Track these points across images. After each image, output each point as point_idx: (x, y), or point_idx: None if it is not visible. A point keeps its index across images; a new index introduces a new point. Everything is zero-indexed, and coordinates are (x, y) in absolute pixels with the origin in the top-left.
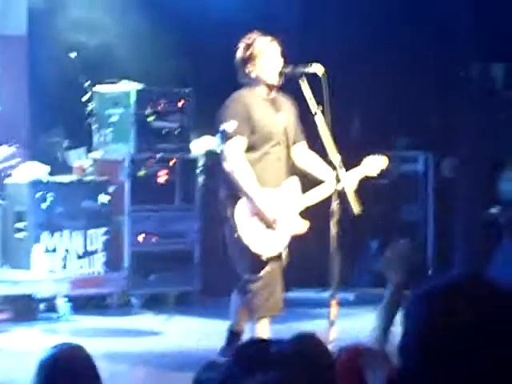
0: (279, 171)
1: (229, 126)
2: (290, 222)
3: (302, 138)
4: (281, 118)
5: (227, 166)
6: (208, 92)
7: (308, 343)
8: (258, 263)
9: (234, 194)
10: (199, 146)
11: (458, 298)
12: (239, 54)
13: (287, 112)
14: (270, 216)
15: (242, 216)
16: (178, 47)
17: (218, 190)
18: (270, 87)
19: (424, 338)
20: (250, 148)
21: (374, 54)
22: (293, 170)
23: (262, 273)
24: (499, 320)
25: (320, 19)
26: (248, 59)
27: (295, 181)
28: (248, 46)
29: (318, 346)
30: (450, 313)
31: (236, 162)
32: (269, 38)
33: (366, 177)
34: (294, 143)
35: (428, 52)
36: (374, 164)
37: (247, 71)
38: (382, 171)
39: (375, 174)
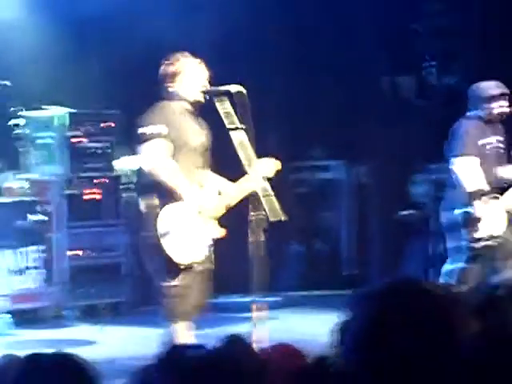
0: (196, 179)
1: (149, 129)
2: (209, 227)
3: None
4: (203, 133)
5: (146, 165)
6: (139, 113)
7: (234, 345)
8: (173, 271)
9: (154, 202)
10: (123, 164)
11: (394, 298)
12: (162, 69)
13: (207, 131)
14: (194, 206)
15: (162, 225)
16: (108, 71)
17: (138, 203)
18: (193, 104)
19: (366, 335)
20: (173, 155)
21: (286, 69)
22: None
23: (177, 281)
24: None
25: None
26: (171, 75)
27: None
28: (171, 63)
29: (244, 346)
30: (388, 310)
31: (156, 159)
32: (192, 58)
33: (268, 178)
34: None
35: (339, 65)
36: (266, 166)
37: (168, 87)
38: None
39: (271, 175)
